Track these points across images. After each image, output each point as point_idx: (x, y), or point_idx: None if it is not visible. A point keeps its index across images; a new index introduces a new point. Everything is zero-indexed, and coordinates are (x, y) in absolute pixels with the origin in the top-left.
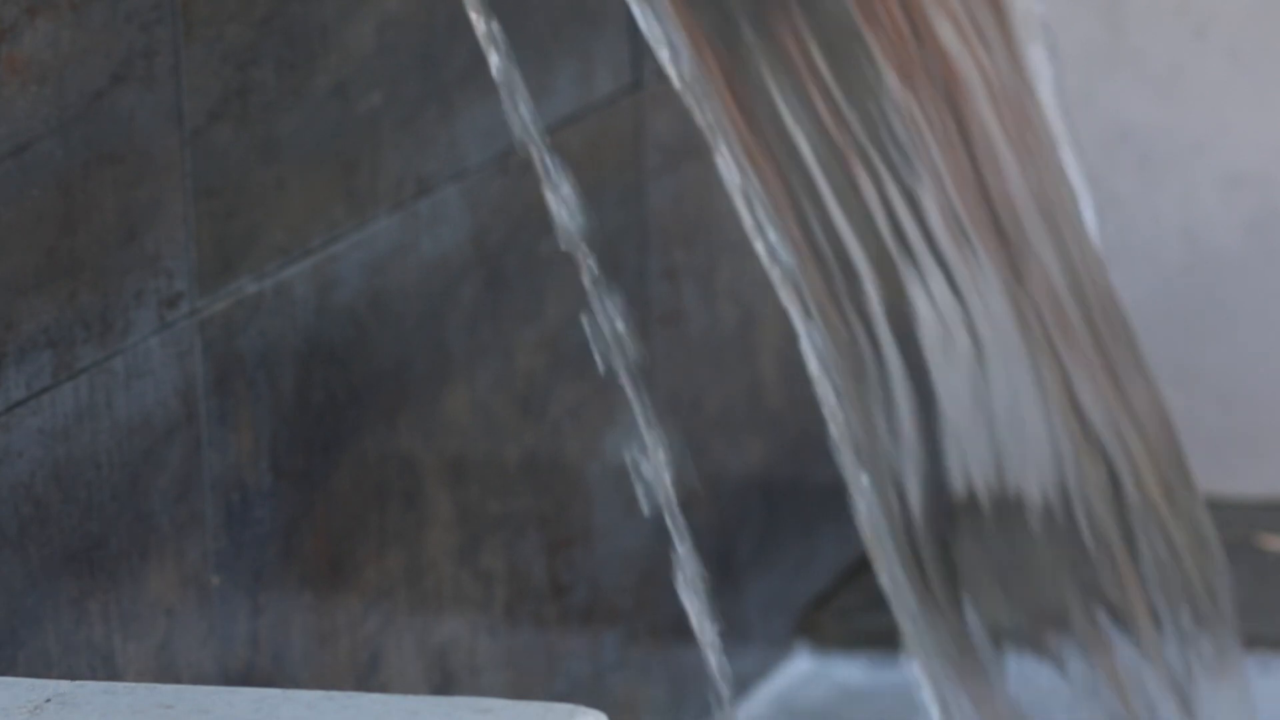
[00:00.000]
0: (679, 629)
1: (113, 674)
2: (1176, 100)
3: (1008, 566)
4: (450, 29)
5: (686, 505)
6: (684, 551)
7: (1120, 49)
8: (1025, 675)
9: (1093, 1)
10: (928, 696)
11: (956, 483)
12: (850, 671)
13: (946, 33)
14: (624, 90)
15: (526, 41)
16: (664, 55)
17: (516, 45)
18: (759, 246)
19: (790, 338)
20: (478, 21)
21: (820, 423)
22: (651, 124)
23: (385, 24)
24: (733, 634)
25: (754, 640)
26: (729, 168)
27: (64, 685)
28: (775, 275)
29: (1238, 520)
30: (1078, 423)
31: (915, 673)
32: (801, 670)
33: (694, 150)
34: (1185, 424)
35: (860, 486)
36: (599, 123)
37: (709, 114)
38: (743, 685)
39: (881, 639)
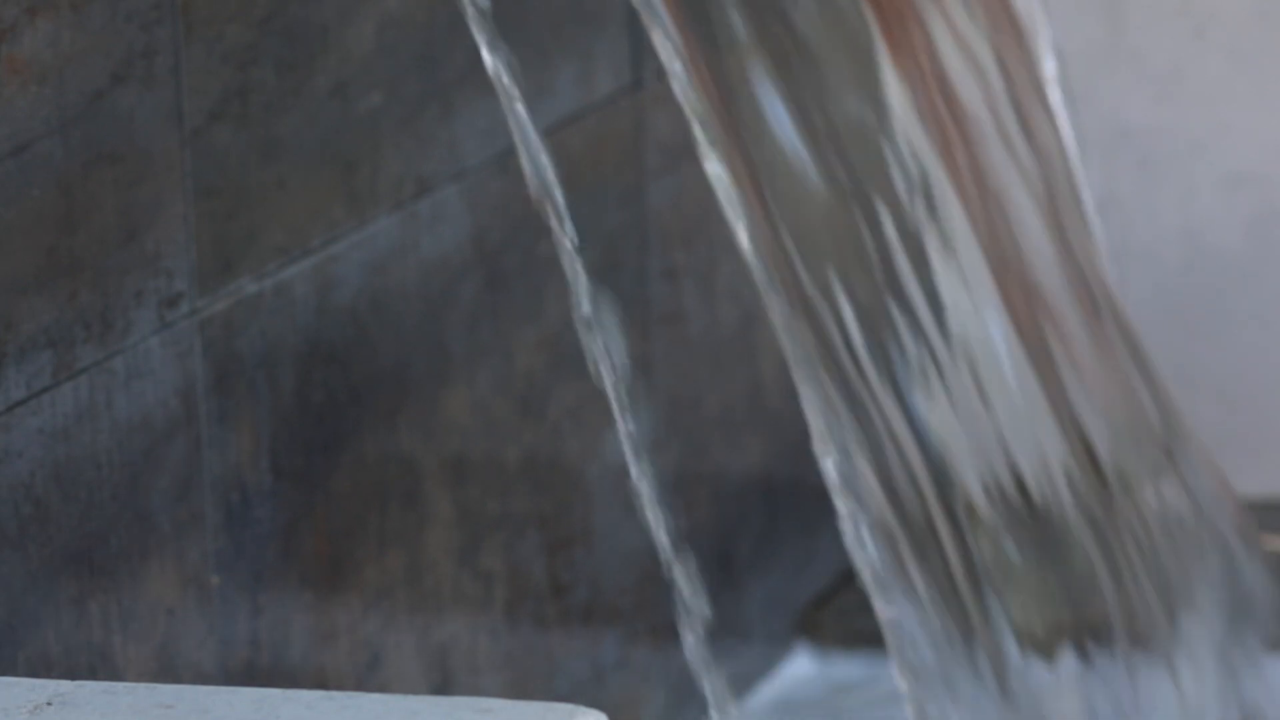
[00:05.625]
0: (679, 629)
1: (113, 674)
2: (1176, 100)
3: (1008, 569)
4: (450, 29)
5: (686, 505)
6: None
7: (1120, 49)
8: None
9: (1093, 1)
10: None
11: (953, 483)
12: (850, 671)
13: (948, 47)
14: (624, 90)
15: (526, 41)
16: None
17: (516, 45)
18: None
19: None
20: (480, 36)
21: None
22: (651, 124)
23: (385, 24)
24: (733, 634)
25: (754, 640)
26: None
27: (64, 685)
28: (758, 276)
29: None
30: (1073, 425)
31: (897, 678)
32: (801, 670)
33: (694, 150)
34: None
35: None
36: (599, 123)
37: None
38: (743, 685)
39: (882, 639)
